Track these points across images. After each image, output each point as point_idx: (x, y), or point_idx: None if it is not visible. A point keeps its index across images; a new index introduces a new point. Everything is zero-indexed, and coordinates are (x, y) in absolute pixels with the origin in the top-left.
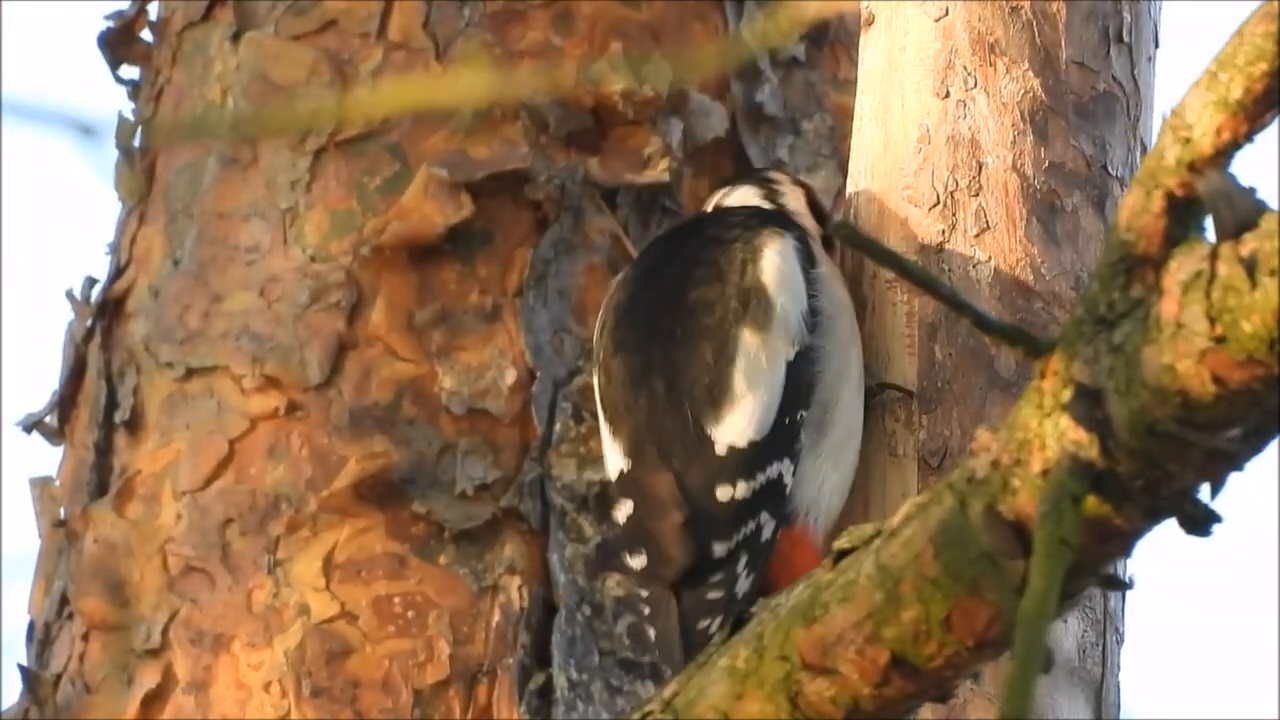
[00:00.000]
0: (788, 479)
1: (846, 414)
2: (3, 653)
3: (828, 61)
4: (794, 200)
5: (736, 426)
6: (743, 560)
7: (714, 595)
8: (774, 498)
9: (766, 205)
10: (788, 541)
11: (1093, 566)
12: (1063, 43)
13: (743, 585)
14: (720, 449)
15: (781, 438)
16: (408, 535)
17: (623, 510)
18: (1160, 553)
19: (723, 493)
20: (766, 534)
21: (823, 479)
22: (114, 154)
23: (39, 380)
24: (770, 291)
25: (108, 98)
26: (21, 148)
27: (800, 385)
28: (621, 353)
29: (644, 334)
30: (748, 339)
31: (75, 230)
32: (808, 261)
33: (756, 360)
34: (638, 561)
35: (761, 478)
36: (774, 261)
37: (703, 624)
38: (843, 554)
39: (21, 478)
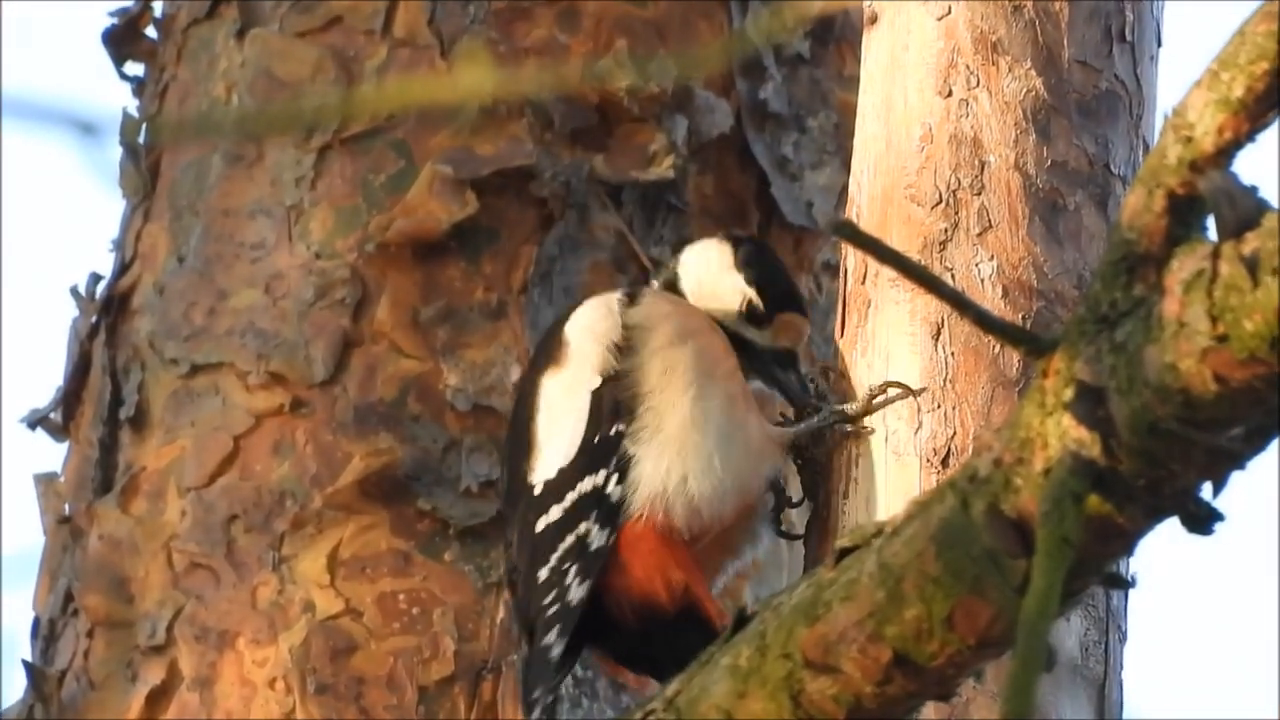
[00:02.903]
0: (611, 488)
1: (684, 406)
2: (2, 651)
3: (833, 59)
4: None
5: (546, 464)
6: (570, 570)
7: (551, 610)
8: (595, 507)
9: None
10: (624, 540)
11: (1095, 565)
12: (1065, 41)
13: (576, 593)
14: (537, 489)
15: (593, 455)
16: (413, 532)
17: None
18: (1162, 551)
19: (540, 524)
20: (597, 542)
21: (668, 471)
22: (114, 152)
23: (43, 377)
24: (568, 335)
25: (109, 95)
26: (22, 145)
27: (613, 404)
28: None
29: (512, 420)
30: (549, 384)
31: (78, 227)
32: (627, 301)
33: (557, 399)
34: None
35: (572, 495)
36: (581, 313)
37: (545, 639)
38: (845, 552)
39: (26, 474)
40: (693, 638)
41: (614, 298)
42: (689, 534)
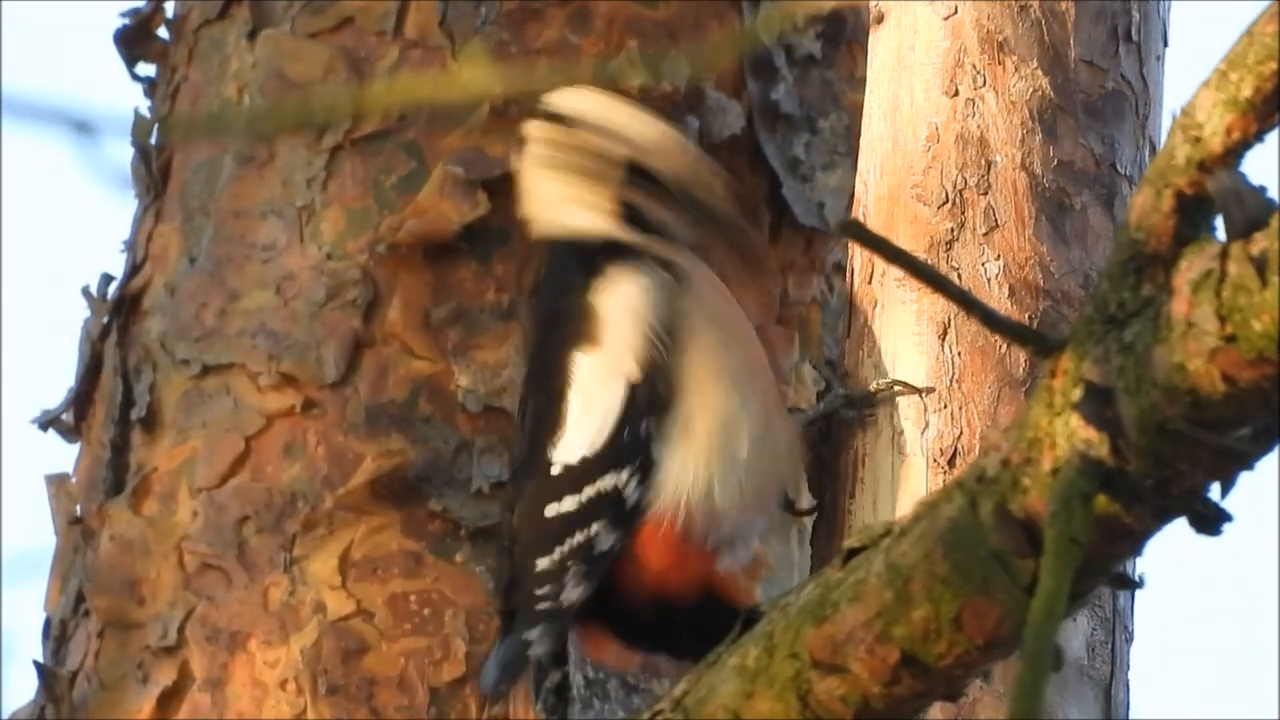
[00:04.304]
0: (630, 490)
1: (719, 412)
2: (2, 652)
3: (844, 59)
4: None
5: (570, 446)
6: (571, 570)
7: (542, 606)
8: (610, 509)
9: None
10: (641, 541)
11: (1103, 565)
12: (1071, 41)
13: (570, 594)
14: (555, 469)
15: (620, 451)
16: (424, 533)
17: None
18: (1170, 552)
19: (550, 509)
20: (604, 544)
21: (694, 479)
22: (110, 150)
23: (54, 378)
24: (607, 310)
25: (108, 94)
26: (19, 144)
27: (649, 398)
28: (518, 413)
29: (524, 387)
30: (583, 360)
31: (76, 226)
32: (669, 279)
33: (590, 382)
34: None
35: (590, 490)
36: (620, 287)
37: (528, 634)
38: (852, 553)
39: (37, 475)
40: (713, 621)
41: (646, 271)
42: (706, 540)
